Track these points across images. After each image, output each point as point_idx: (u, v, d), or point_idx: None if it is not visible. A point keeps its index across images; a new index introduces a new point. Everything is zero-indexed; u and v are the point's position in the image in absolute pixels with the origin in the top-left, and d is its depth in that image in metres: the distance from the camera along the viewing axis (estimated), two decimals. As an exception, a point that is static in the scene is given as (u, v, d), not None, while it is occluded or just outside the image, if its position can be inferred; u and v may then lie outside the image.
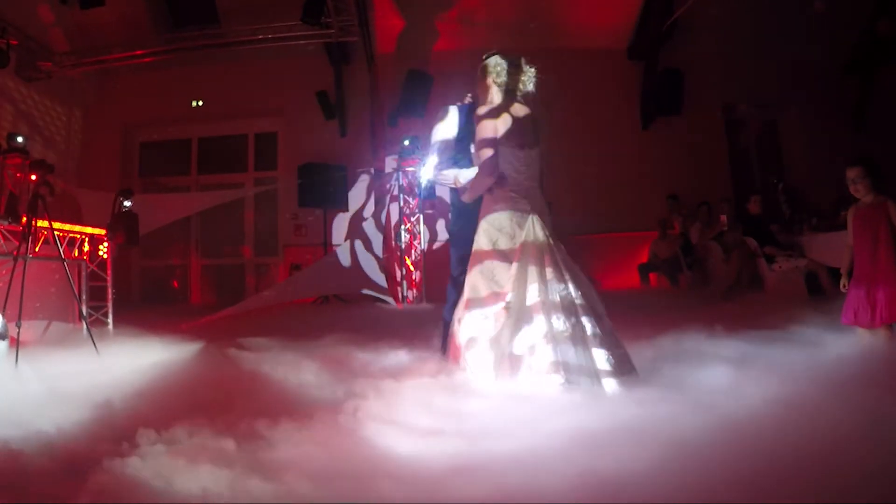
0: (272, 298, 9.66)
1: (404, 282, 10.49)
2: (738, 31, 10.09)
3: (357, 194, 11.19)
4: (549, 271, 3.33)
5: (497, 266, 3.43)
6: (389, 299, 10.11)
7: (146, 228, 10.30)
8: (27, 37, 8.93)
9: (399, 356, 4.59)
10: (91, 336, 5.82)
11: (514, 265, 3.37)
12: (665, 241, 10.50)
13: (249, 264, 12.21)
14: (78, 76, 10.36)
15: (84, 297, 7.38)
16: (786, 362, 3.75)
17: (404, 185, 10.48)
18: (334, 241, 11.07)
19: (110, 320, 7.48)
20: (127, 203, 7.50)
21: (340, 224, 11.29)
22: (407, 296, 10.42)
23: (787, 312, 5.59)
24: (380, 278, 10.12)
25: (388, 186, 10.63)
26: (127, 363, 5.13)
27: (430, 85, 10.56)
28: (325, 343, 5.74)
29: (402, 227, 10.55)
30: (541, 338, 3.18)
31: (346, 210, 11.10)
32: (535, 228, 3.45)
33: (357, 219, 10.84)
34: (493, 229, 3.50)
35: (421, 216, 10.63)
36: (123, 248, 7.59)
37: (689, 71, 10.77)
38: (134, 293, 11.91)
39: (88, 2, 7.44)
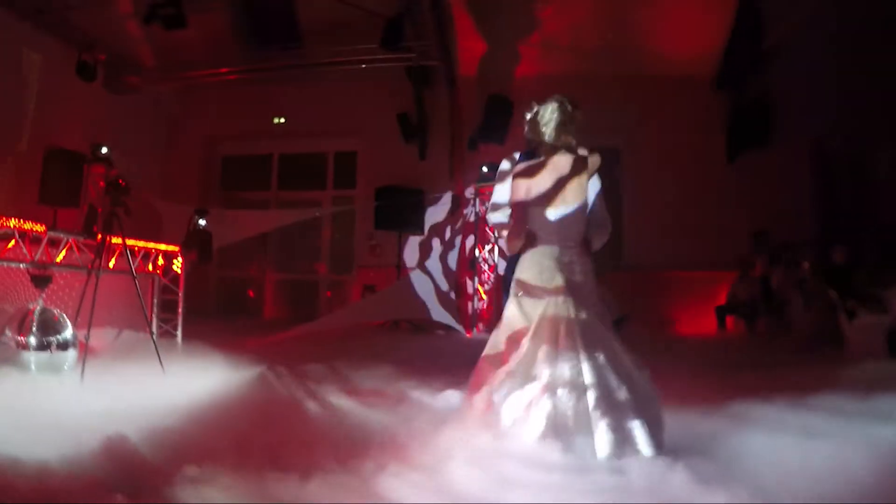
0: (343, 319, 9.73)
1: (475, 311, 10.34)
2: (830, 62, 9.47)
3: (433, 219, 11.12)
4: (562, 350, 3.14)
5: (517, 322, 3.38)
6: (460, 327, 9.98)
7: (225, 241, 10.66)
8: (114, 52, 9.37)
9: (450, 399, 4.42)
10: (158, 353, 5.95)
11: (525, 341, 3.24)
12: (745, 282, 10.01)
13: (324, 281, 12.38)
14: (164, 90, 10.80)
15: (155, 310, 7.64)
16: (860, 441, 3.30)
17: (481, 212, 10.33)
18: (408, 265, 11.05)
19: (179, 333, 7.65)
20: (202, 221, 7.73)
21: (415, 247, 11.25)
22: (478, 325, 10.27)
23: (867, 375, 5.23)
24: (451, 306, 10.00)
25: (464, 213, 10.53)
26: (185, 384, 5.28)
27: (511, 111, 10.44)
28: (382, 374, 5.72)
29: (477, 254, 10.41)
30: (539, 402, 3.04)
31: (422, 234, 11.05)
32: (554, 303, 3.26)
33: (431, 244, 10.77)
34: (518, 287, 3.45)
35: (496, 245, 10.46)
36: (196, 264, 7.77)
37: (778, 102, 10.23)
38: (209, 303, 12.26)
39: (171, 23, 7.73)
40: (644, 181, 10.18)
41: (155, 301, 7.63)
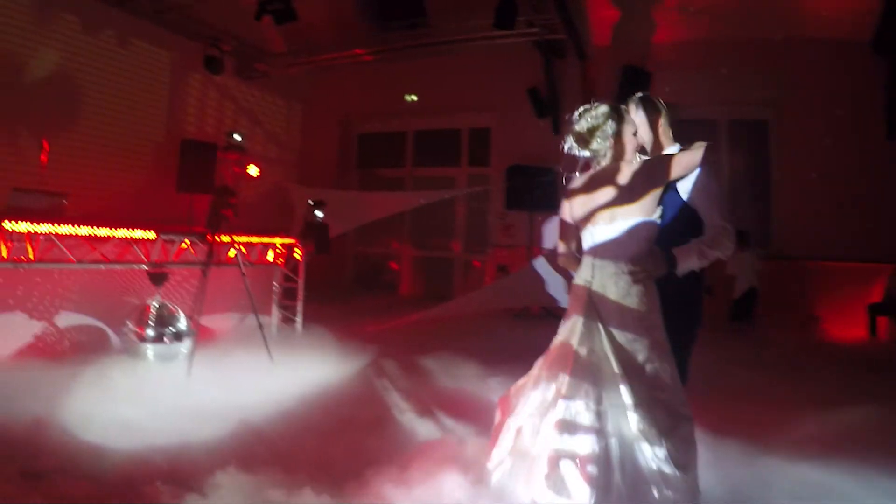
0: (469, 306, 9.78)
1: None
2: None
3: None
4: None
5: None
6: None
7: (363, 220, 11.11)
8: (242, 42, 9.91)
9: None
10: (267, 345, 6.39)
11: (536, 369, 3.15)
12: (903, 277, 8.71)
13: (458, 259, 12.50)
14: (295, 74, 11.29)
15: (275, 298, 8.16)
16: None
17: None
18: (544, 245, 10.87)
19: (299, 320, 8.10)
20: (319, 213, 8.06)
21: (554, 227, 10.97)
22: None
23: None
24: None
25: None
26: (289, 379, 5.71)
27: (648, 81, 9.83)
28: (475, 373, 5.69)
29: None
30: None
31: (556, 213, 10.73)
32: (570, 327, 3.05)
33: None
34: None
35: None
36: (313, 255, 8.15)
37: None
38: (347, 279, 12.87)
39: (282, 18, 8.01)
40: (793, 158, 9.11)
41: (275, 290, 8.15)
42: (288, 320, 8.18)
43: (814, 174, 9.02)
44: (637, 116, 3.37)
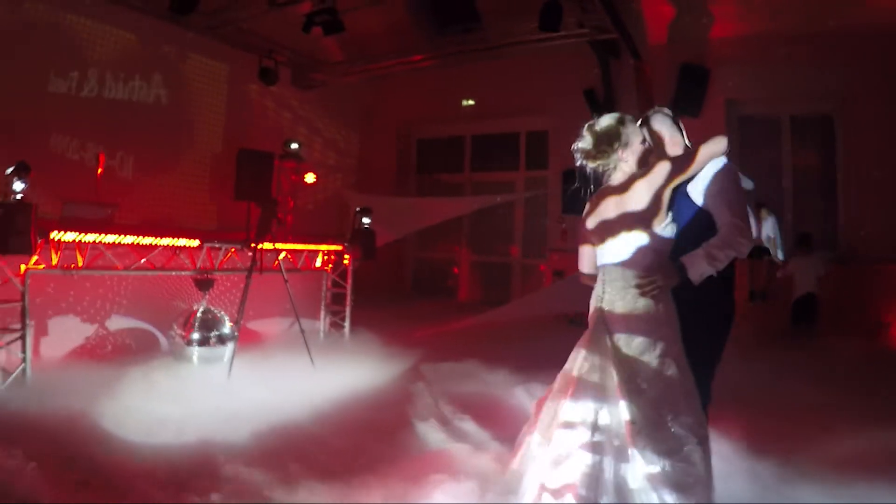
0: (521, 311, 9.76)
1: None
2: None
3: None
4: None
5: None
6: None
7: (419, 226, 11.28)
8: (298, 53, 10.23)
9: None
10: (308, 349, 6.63)
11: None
12: None
13: (517, 264, 12.47)
14: (353, 82, 11.54)
15: (324, 304, 8.39)
16: None
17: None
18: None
19: (347, 325, 8.31)
20: (365, 220, 8.26)
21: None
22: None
23: None
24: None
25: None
26: (327, 381, 5.99)
27: (706, 79, 9.57)
28: (532, 381, 5.70)
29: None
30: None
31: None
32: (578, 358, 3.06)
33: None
34: None
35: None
36: (360, 261, 8.33)
37: None
38: (405, 284, 13.06)
39: (329, 29, 8.22)
40: (861, 154, 8.63)
41: (324, 295, 8.38)
42: (336, 325, 8.39)
43: (882, 171, 8.52)
44: (663, 127, 3.41)
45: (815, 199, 9.71)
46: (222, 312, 6.71)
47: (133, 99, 8.51)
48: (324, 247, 8.13)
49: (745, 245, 2.96)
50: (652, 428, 2.76)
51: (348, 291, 8.38)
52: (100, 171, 7.01)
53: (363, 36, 10.47)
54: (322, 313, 8.34)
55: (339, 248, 8.22)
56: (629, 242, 3.06)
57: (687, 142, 3.36)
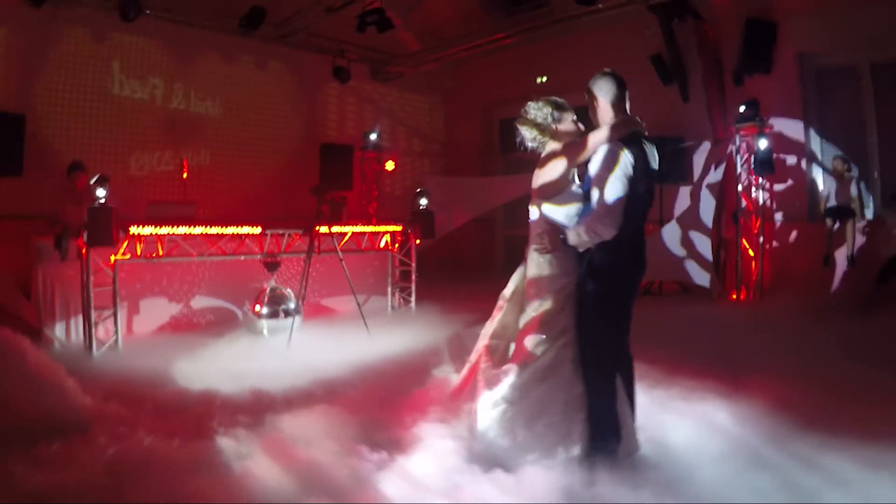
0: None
1: (738, 271, 9.79)
2: None
3: (706, 167, 10.65)
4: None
5: None
6: (717, 288, 9.61)
7: (496, 203, 11.94)
8: (371, 49, 11.20)
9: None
10: (364, 320, 7.66)
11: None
12: None
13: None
14: (431, 69, 12.37)
15: (390, 280, 9.37)
16: None
17: (744, 155, 9.68)
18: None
19: (413, 300, 9.24)
20: (423, 201, 9.11)
21: (683, 200, 10.94)
22: (742, 284, 9.72)
23: None
24: (705, 262, 9.63)
25: (725, 157, 9.92)
26: (373, 346, 6.93)
27: (774, 32, 9.42)
28: None
29: (739, 205, 9.79)
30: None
31: (688, 184, 10.69)
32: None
33: (693, 195, 10.38)
34: None
35: (760, 193, 9.68)
36: (421, 241, 9.20)
37: None
38: (497, 262, 13.76)
39: (382, 27, 9.09)
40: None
41: (390, 273, 9.34)
42: (405, 300, 9.34)
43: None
44: (599, 93, 3.82)
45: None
46: (288, 290, 7.85)
47: (214, 111, 9.87)
48: (381, 228, 9.04)
49: (606, 231, 3.51)
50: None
51: (412, 269, 9.29)
52: (185, 175, 8.38)
53: (436, 25, 11.30)
54: (389, 290, 9.31)
55: (397, 228, 9.11)
56: (534, 210, 3.81)
57: (627, 104, 3.77)
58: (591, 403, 3.56)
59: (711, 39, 10.04)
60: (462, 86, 13.47)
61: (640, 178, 3.57)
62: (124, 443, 3.95)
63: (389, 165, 11.34)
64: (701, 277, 9.61)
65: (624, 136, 3.58)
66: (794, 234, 9.80)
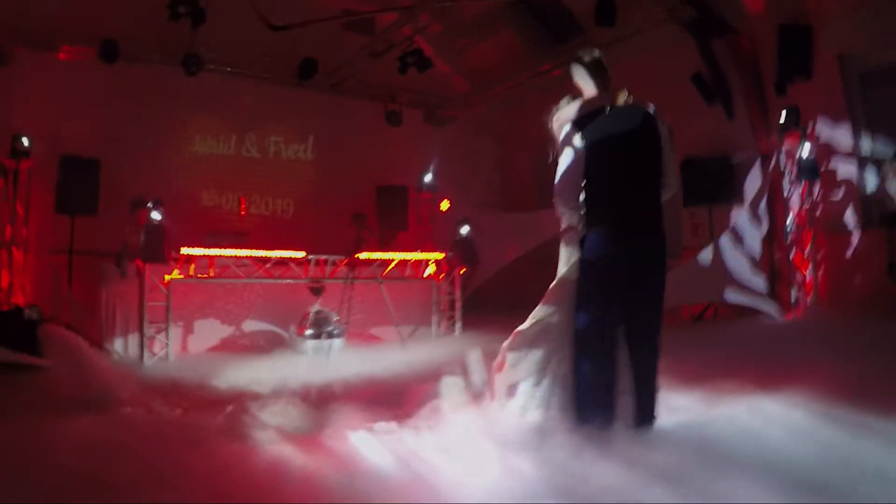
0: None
1: (794, 284, 9.65)
2: None
3: (753, 184, 10.67)
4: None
5: None
6: (771, 308, 9.49)
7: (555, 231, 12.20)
8: (423, 92, 11.95)
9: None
10: (401, 338, 8.17)
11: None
12: None
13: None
14: (483, 111, 13.01)
15: (434, 308, 9.81)
16: None
17: (788, 165, 9.70)
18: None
19: (458, 325, 9.64)
20: (463, 230, 9.60)
21: (738, 220, 10.91)
22: (798, 302, 9.56)
23: None
24: (756, 281, 9.57)
25: (771, 171, 9.96)
26: (405, 358, 7.34)
27: (810, 36, 9.45)
28: None
29: (789, 215, 9.76)
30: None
31: (740, 203, 10.69)
32: None
33: (745, 214, 10.38)
34: None
35: (810, 203, 9.64)
36: (467, 269, 9.66)
37: None
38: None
39: (422, 66, 9.86)
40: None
41: (435, 301, 9.79)
42: (449, 328, 9.74)
43: None
44: (577, 78, 4.09)
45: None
46: (332, 312, 8.43)
47: (281, 155, 10.78)
48: (422, 255, 9.54)
49: (560, 206, 3.89)
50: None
51: (457, 296, 9.72)
52: (242, 211, 9.23)
53: (485, 67, 11.99)
54: (433, 318, 9.73)
55: (440, 256, 9.59)
56: None
57: (603, 87, 4.00)
58: (576, 379, 3.68)
59: (748, 52, 10.17)
60: (516, 126, 13.98)
61: (601, 149, 3.72)
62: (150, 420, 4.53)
63: (444, 205, 11.89)
64: (756, 299, 9.52)
65: (582, 115, 3.83)
66: (851, 245, 9.57)
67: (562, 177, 3.80)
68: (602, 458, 3.06)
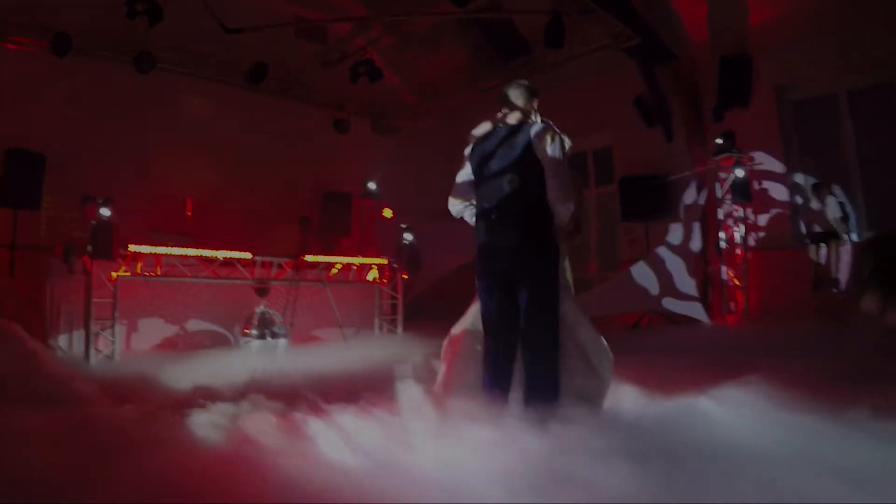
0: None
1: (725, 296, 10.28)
2: None
3: (688, 202, 11.25)
4: None
5: None
6: (702, 315, 10.04)
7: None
8: (370, 102, 12.21)
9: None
10: (343, 335, 8.38)
11: None
12: None
13: (595, 279, 13.32)
14: (430, 124, 13.30)
15: (377, 311, 10.07)
16: None
17: (723, 186, 10.35)
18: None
19: (399, 328, 9.92)
20: (407, 236, 9.88)
21: (671, 235, 11.48)
22: (730, 310, 10.18)
23: None
24: (689, 290, 10.12)
25: (703, 190, 10.58)
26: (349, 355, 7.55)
27: (749, 67, 10.15)
28: None
29: (721, 236, 10.39)
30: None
31: (674, 221, 11.25)
32: None
33: (679, 229, 10.95)
34: None
35: (742, 223, 10.31)
36: (409, 274, 9.93)
37: None
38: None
39: (374, 77, 10.13)
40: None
41: (377, 304, 10.06)
42: (390, 330, 10.02)
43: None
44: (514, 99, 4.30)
45: (889, 173, 9.45)
46: (276, 314, 8.60)
47: (220, 157, 10.78)
48: (367, 259, 9.80)
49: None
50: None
51: (399, 300, 10.01)
52: (188, 211, 9.30)
53: (433, 81, 12.31)
54: (376, 320, 10.00)
55: (383, 261, 9.86)
56: None
57: (533, 108, 4.31)
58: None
59: (689, 78, 10.76)
60: (462, 140, 14.22)
61: (477, 160, 4.30)
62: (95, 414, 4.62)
63: (387, 213, 12.13)
64: (689, 308, 10.08)
65: (479, 134, 4.47)
66: (779, 262, 10.19)
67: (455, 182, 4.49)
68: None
